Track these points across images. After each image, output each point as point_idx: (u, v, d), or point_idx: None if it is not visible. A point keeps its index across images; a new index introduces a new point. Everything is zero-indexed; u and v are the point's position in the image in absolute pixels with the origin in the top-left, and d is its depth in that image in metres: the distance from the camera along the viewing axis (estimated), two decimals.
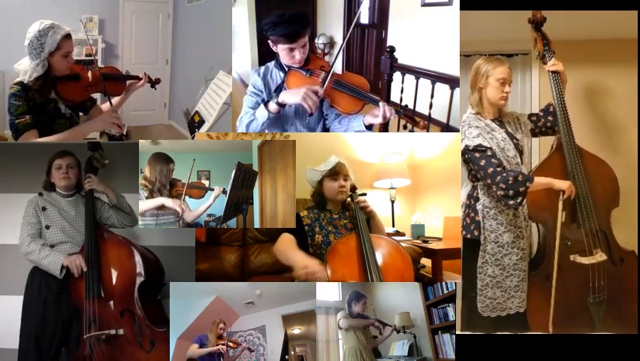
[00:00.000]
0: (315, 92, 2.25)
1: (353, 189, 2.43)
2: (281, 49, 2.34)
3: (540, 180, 2.37)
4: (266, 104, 2.36)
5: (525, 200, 2.35)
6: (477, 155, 2.38)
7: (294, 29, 2.27)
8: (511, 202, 2.31)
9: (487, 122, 2.46)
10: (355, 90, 2.31)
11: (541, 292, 2.49)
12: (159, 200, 2.46)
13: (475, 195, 2.49)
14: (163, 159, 2.51)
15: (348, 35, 2.56)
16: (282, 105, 2.33)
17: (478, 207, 2.45)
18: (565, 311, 2.48)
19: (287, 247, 2.21)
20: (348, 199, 2.45)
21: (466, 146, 2.41)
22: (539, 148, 3.11)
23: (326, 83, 2.28)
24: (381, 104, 2.21)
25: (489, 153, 2.37)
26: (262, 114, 2.35)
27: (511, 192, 2.29)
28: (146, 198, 2.46)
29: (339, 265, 2.13)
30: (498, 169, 2.33)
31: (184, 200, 2.49)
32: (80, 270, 2.37)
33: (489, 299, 2.46)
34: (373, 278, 2.08)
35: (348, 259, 2.15)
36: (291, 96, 2.29)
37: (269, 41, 2.36)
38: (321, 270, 2.05)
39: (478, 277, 2.46)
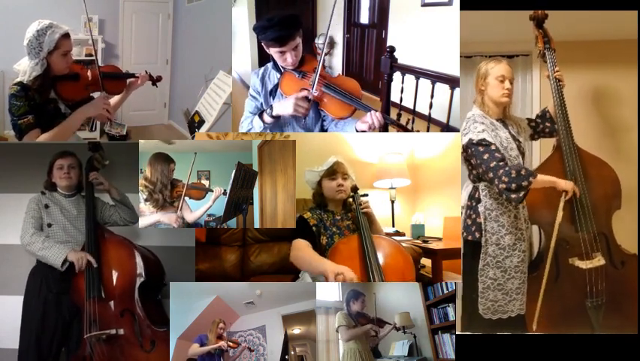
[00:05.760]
0: (305, 98, 2.27)
1: (354, 189, 2.43)
2: (273, 52, 2.34)
3: (543, 178, 2.34)
4: (261, 114, 2.37)
5: (525, 201, 2.34)
6: (480, 149, 2.35)
7: (283, 33, 2.24)
8: (513, 196, 2.27)
9: (492, 121, 2.46)
10: (345, 95, 2.29)
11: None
12: (155, 217, 2.45)
13: (476, 196, 2.48)
14: (164, 159, 2.50)
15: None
16: (276, 117, 2.35)
17: (480, 208, 2.44)
18: (563, 314, 2.48)
19: (310, 256, 2.16)
20: (350, 200, 2.45)
21: (470, 140, 2.38)
22: (540, 149, 3.11)
23: (315, 85, 2.28)
24: (369, 113, 2.19)
25: (493, 147, 2.34)
26: (258, 124, 2.38)
27: (513, 185, 2.26)
28: (145, 199, 2.46)
29: None
30: (501, 163, 2.30)
31: (184, 200, 2.49)
32: (83, 267, 2.36)
33: (490, 302, 2.46)
34: (375, 278, 2.08)
35: (350, 260, 2.14)
36: (283, 107, 2.31)
37: (262, 44, 2.35)
38: (354, 274, 1.99)
39: (479, 279, 2.45)
